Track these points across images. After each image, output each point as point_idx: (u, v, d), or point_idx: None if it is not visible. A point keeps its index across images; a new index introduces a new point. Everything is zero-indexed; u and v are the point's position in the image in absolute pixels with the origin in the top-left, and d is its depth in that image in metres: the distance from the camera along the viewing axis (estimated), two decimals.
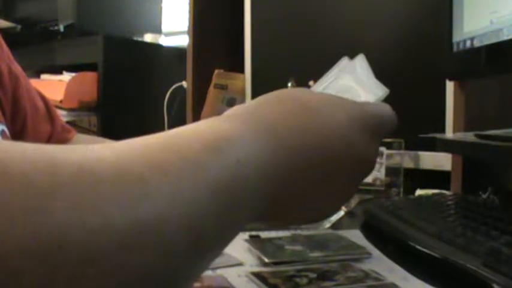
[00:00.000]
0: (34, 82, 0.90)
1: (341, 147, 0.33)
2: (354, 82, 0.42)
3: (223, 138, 0.27)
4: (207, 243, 0.25)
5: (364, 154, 0.35)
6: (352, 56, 0.45)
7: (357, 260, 0.53)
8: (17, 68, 0.67)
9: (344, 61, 0.45)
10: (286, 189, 0.31)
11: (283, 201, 0.31)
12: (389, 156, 0.98)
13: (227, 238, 0.27)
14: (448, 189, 0.92)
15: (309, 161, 0.32)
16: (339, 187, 0.35)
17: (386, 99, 0.41)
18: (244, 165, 0.27)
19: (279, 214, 0.33)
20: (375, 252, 0.55)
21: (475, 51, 0.74)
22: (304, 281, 0.46)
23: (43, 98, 0.73)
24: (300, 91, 0.36)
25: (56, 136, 0.71)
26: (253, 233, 0.62)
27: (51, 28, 1.81)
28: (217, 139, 0.27)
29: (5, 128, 0.58)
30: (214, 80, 1.38)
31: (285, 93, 0.35)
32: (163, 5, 2.04)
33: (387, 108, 0.38)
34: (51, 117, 0.72)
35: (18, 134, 0.65)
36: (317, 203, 0.34)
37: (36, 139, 0.68)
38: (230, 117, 0.31)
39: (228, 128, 0.29)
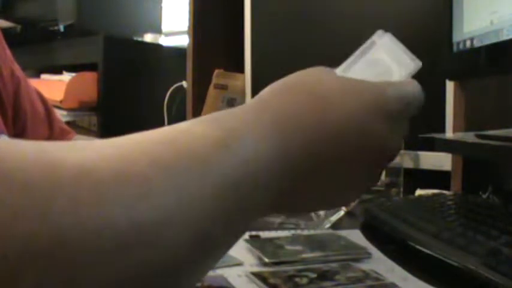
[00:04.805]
0: (34, 82, 0.90)
1: (356, 137, 0.32)
2: (385, 54, 0.41)
3: (231, 136, 0.26)
4: (214, 243, 0.25)
5: (384, 141, 0.33)
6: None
7: (357, 260, 0.53)
8: (19, 71, 0.67)
9: (376, 35, 0.42)
10: (298, 184, 0.30)
11: (295, 196, 0.31)
12: None
13: (234, 237, 0.27)
14: (448, 189, 0.91)
15: (322, 154, 0.31)
16: (357, 176, 0.34)
17: None
18: (253, 163, 0.26)
19: (290, 206, 0.32)
20: (375, 252, 0.55)
21: (475, 51, 0.74)
22: (304, 281, 0.46)
23: (43, 100, 0.73)
24: (312, 77, 0.34)
25: (54, 139, 0.71)
26: (253, 233, 0.62)
27: (51, 28, 1.80)
28: (225, 137, 0.26)
29: (6, 137, 0.58)
30: (214, 80, 1.38)
31: (296, 81, 0.34)
32: (163, 5, 2.03)
33: (411, 87, 0.36)
34: (49, 120, 0.72)
35: (18, 136, 0.65)
36: (334, 193, 0.34)
37: None
38: (239, 111, 0.30)
39: (237, 124, 0.28)
